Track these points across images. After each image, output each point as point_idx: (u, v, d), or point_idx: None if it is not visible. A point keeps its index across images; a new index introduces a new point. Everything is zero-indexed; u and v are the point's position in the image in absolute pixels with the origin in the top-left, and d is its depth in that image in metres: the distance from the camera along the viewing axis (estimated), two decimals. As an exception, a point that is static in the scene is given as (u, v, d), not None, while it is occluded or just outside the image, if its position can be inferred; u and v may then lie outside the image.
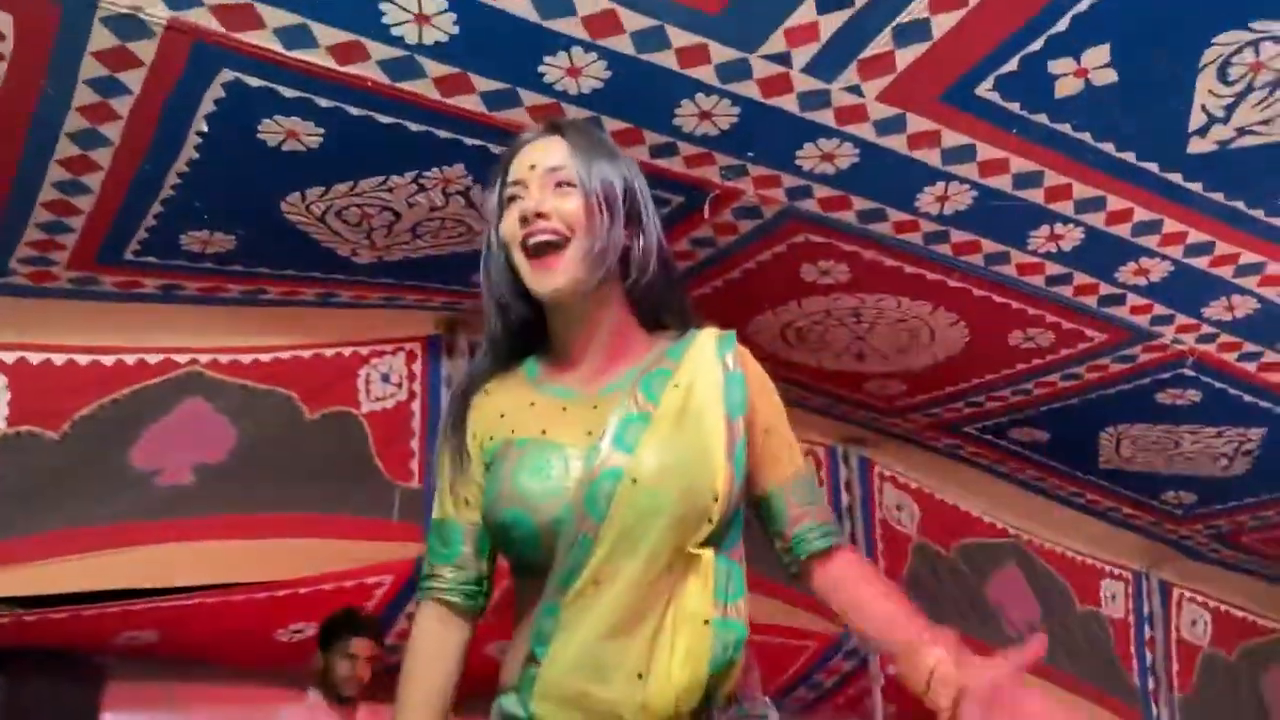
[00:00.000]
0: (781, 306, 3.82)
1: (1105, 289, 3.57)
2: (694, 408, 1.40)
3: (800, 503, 1.49)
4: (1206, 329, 3.79)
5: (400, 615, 4.04)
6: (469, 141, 2.78)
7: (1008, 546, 5.41)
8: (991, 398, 4.41)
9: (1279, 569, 5.72)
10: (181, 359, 3.73)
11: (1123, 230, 3.23)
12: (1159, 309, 3.69)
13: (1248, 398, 4.20)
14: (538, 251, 1.38)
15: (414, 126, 2.70)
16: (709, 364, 1.46)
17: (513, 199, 1.41)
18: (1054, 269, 3.46)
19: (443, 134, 2.75)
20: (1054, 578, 5.52)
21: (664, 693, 1.28)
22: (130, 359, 3.65)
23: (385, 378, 4.04)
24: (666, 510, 1.32)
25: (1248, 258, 3.39)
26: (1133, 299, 3.63)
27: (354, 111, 2.64)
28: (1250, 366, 4.00)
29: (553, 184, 1.39)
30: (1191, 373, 4.07)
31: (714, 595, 1.32)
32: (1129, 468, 4.87)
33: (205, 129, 2.62)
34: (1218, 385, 4.13)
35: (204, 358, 3.76)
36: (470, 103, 2.62)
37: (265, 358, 3.85)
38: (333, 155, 2.80)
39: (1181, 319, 3.74)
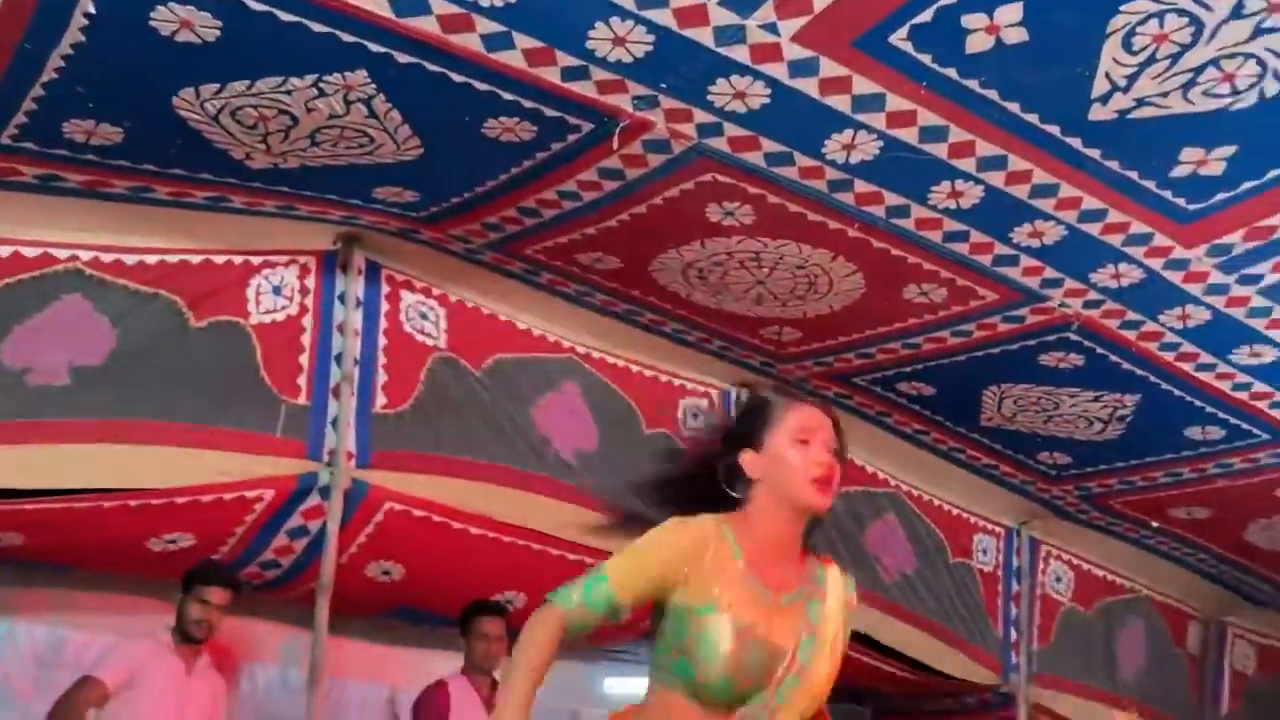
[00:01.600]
0: (686, 246, 3.82)
1: (1000, 249, 3.65)
2: (834, 632, 1.98)
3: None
4: (1093, 295, 3.90)
5: (280, 532, 3.98)
6: (373, 48, 2.70)
7: (888, 496, 5.55)
8: (882, 350, 4.49)
9: (1141, 532, 5.97)
10: (61, 254, 3.59)
11: (1021, 191, 3.30)
12: (1050, 272, 3.78)
13: (1126, 365, 4.36)
14: (817, 484, 1.93)
15: (317, 27, 2.61)
16: (842, 598, 2.01)
17: (804, 441, 1.96)
18: (952, 225, 3.51)
19: (346, 38, 2.66)
20: (930, 529, 5.68)
21: None
22: (4, 251, 3.50)
23: (276, 290, 3.94)
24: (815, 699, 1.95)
25: (1137, 228, 3.49)
26: (1026, 260, 3.71)
27: (255, 6, 2.53)
28: (1131, 335, 4.14)
29: (829, 449, 1.97)
30: (1076, 337, 4.20)
31: None
32: (1009, 427, 5.02)
33: (92, 10, 2.50)
34: (1099, 351, 4.27)
35: (85, 255, 3.62)
36: (374, 5, 2.54)
37: (151, 259, 3.72)
38: (230, 51, 2.69)
39: (1070, 284, 3.84)
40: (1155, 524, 5.83)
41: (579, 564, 4.39)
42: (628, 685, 5.68)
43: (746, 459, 1.98)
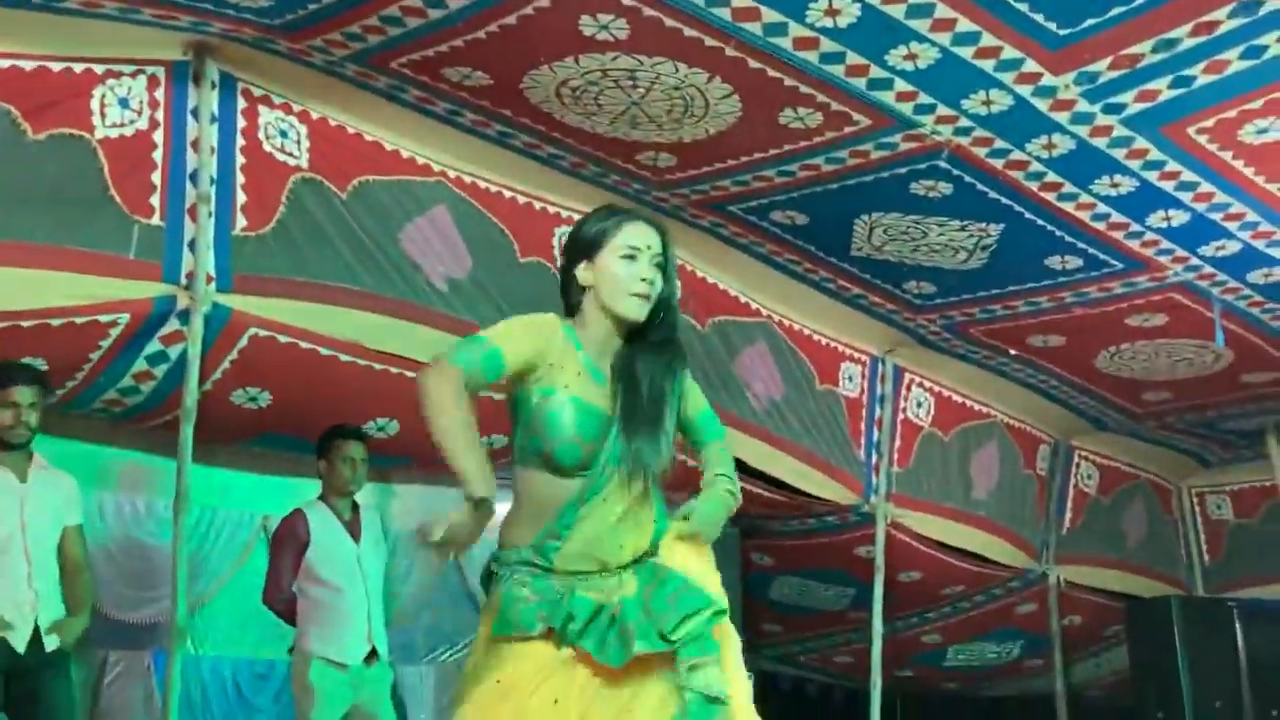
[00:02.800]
0: (558, 62, 3.69)
1: (875, 71, 3.63)
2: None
3: None
4: (964, 122, 3.94)
5: (138, 357, 3.85)
6: None
7: (759, 326, 5.64)
8: (758, 177, 4.48)
9: (999, 359, 6.22)
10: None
11: (897, 10, 3.26)
12: (923, 98, 3.79)
13: (992, 194, 4.45)
14: (637, 298, 2.19)
15: None
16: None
17: (629, 257, 2.19)
18: (829, 45, 3.47)
19: None
20: (799, 357, 5.82)
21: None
22: None
23: (124, 102, 3.69)
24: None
25: (1009, 53, 3.51)
26: (900, 84, 3.71)
27: None
28: (998, 163, 4.21)
29: (653, 265, 2.20)
30: (945, 165, 4.25)
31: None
32: (878, 256, 5.11)
33: None
34: (967, 179, 4.34)
35: (-96, 58, 3.32)
36: None
37: (-23, 65, 3.44)
38: None
39: (942, 110, 3.86)
40: (1013, 352, 6.08)
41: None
42: (503, 510, 5.77)
43: (580, 269, 2.22)
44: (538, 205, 4.73)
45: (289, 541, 4.27)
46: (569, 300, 2.26)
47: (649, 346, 2.23)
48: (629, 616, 2.06)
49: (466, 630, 5.55)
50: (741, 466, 5.49)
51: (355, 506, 4.40)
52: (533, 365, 2.15)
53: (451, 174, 4.45)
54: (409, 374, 4.25)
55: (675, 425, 2.25)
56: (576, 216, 4.91)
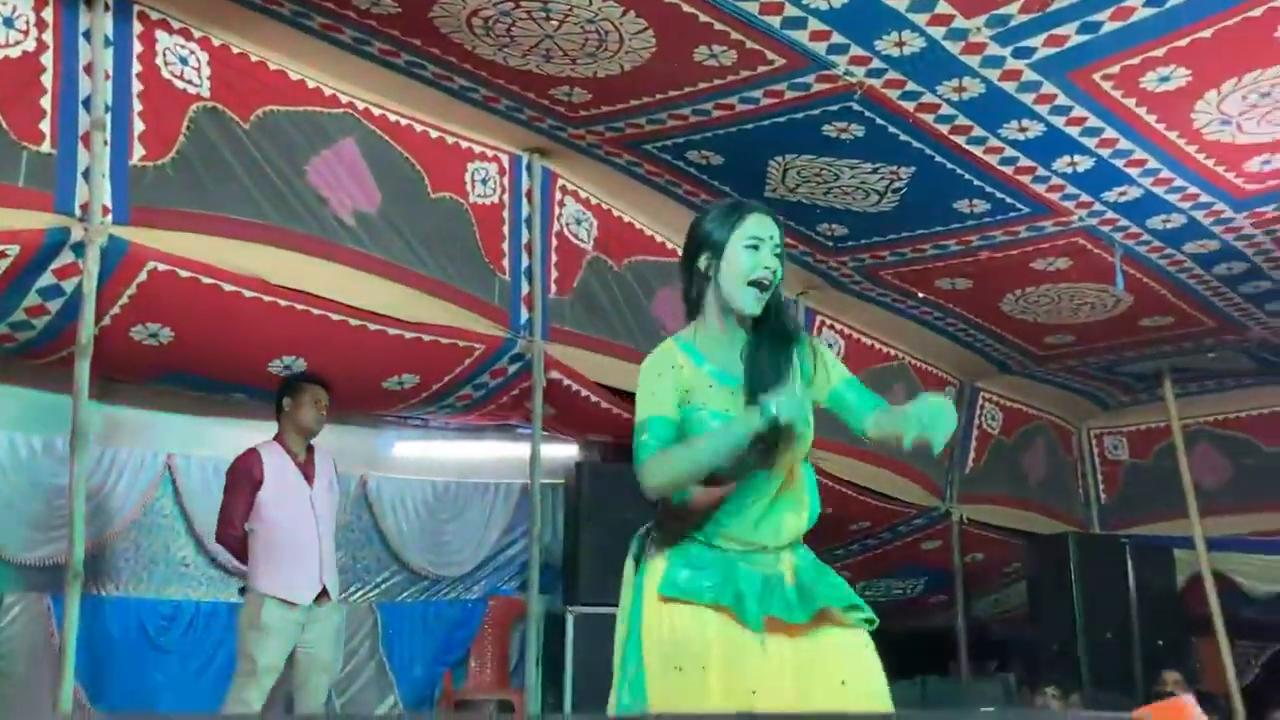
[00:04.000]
0: (469, -9, 3.62)
1: (789, 10, 3.62)
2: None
3: None
4: (876, 63, 3.95)
5: (30, 291, 3.71)
6: None
7: (674, 266, 5.63)
8: (673, 115, 4.45)
9: (907, 302, 6.31)
10: None
11: (811, -54, 3.24)
12: (836, 37, 3.79)
13: (903, 137, 4.48)
14: (759, 287, 2.26)
15: None
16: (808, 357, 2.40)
17: (753, 247, 2.27)
18: (743, -19, 3.44)
19: None
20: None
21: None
22: None
23: (8, 21, 3.51)
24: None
25: (922, -8, 3.51)
26: (814, 24, 3.70)
27: None
28: (910, 106, 4.24)
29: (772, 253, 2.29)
30: (858, 107, 4.27)
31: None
32: (791, 198, 5.14)
33: None
34: (879, 122, 4.37)
35: None
36: None
37: None
38: None
39: (856, 50, 3.87)
40: (921, 295, 6.18)
41: (360, 329, 4.34)
42: (413, 449, 5.74)
43: (702, 260, 2.27)
44: (450, 139, 4.65)
45: (243, 480, 4.29)
46: (689, 298, 2.32)
47: (770, 338, 2.28)
48: (806, 578, 2.23)
49: (377, 569, 5.53)
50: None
51: (310, 449, 4.44)
52: (682, 394, 2.22)
53: (360, 105, 4.35)
54: (316, 311, 4.19)
55: (810, 406, 2.27)
56: (490, 152, 4.92)
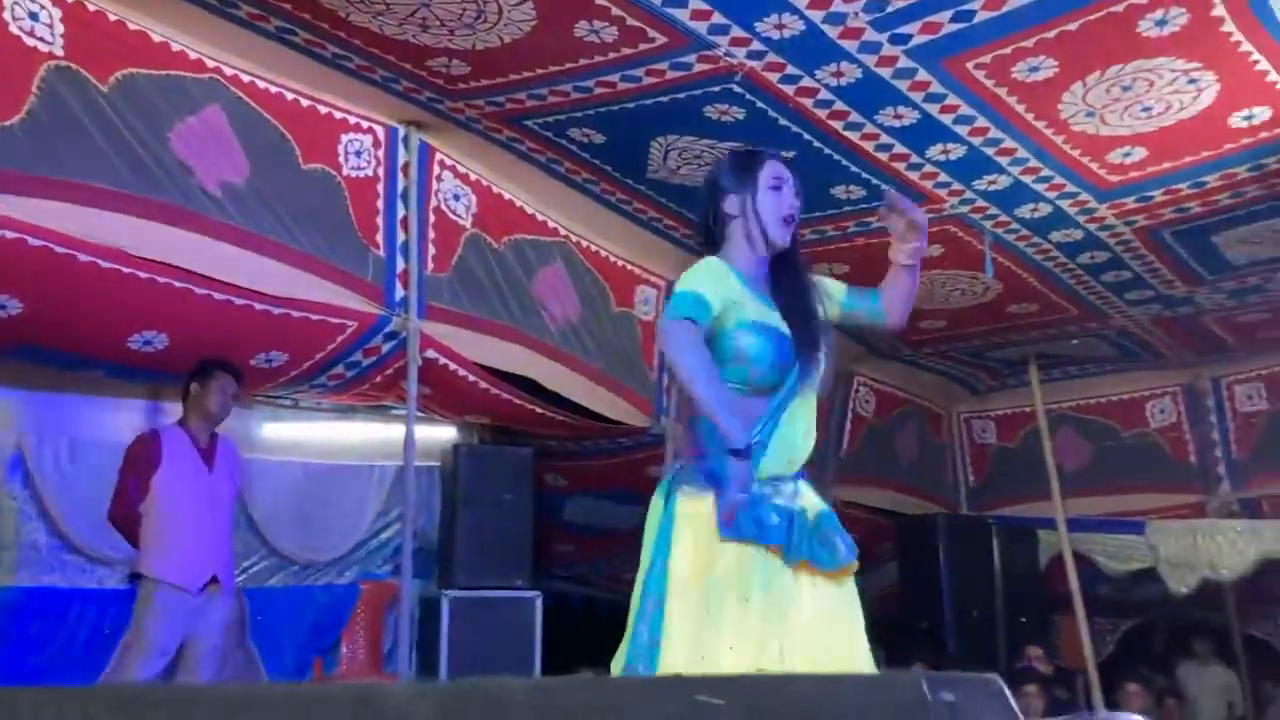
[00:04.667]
0: (342, -44, 3.50)
1: (670, -14, 3.59)
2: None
3: None
4: (757, 45, 3.96)
5: None
6: None
7: (557, 246, 5.60)
8: (554, 92, 4.40)
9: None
10: None
11: (692, -77, 3.22)
12: (717, 18, 3.79)
13: (783, 121, 4.51)
14: (787, 222, 2.53)
15: None
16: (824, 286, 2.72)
17: (777, 188, 2.53)
18: (624, -44, 3.41)
19: None
20: (595, 279, 5.81)
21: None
22: None
23: None
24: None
25: (801, -24, 3.53)
26: (695, 2, 3.69)
27: None
28: (789, 89, 4.27)
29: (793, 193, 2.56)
30: (739, 89, 4.28)
31: None
32: (673, 180, 5.13)
33: None
34: (759, 105, 4.39)
35: None
36: None
37: None
38: None
39: (736, 31, 3.87)
40: (800, 279, 6.24)
41: (225, 304, 4.18)
42: (283, 429, 5.58)
43: (728, 201, 2.51)
44: (322, 109, 4.51)
45: (138, 462, 4.26)
46: (710, 235, 2.54)
47: (794, 268, 2.54)
48: (827, 524, 2.38)
49: (245, 554, 5.36)
50: (534, 388, 5.52)
51: (215, 437, 4.41)
52: (725, 304, 2.38)
53: (227, 71, 4.18)
54: (179, 284, 4.02)
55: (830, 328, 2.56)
56: (364, 123, 4.79)
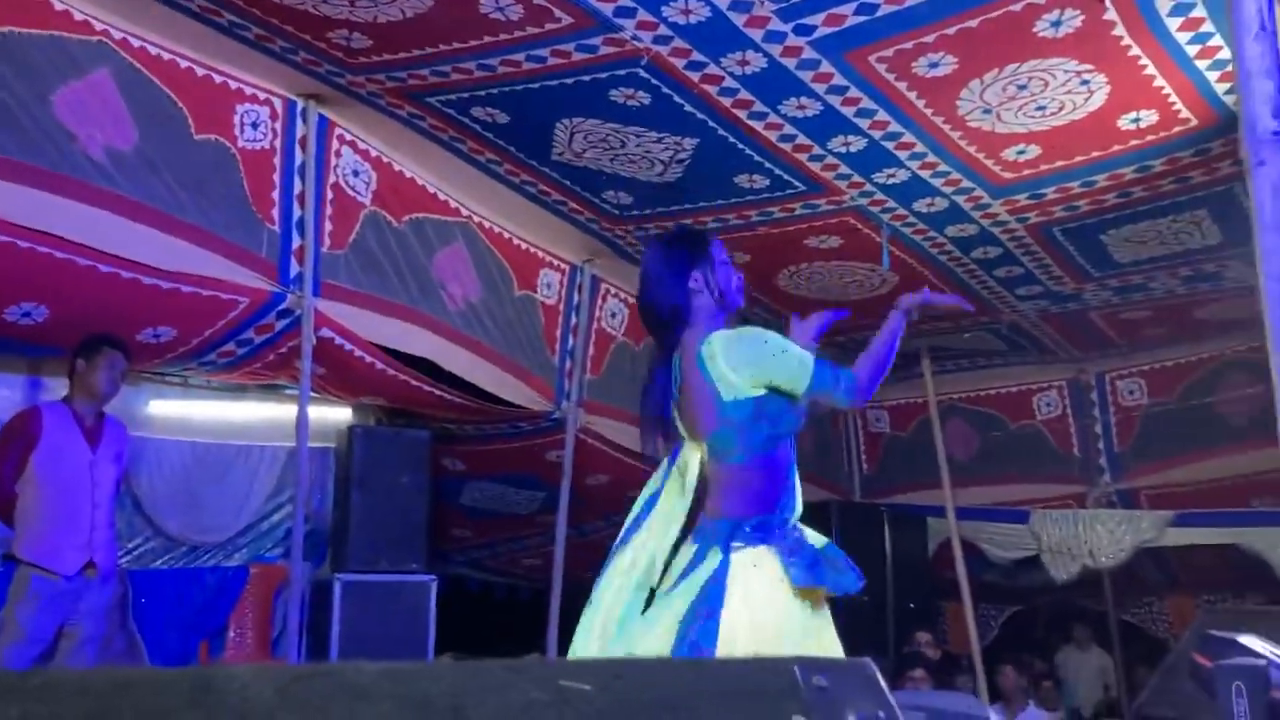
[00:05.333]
0: (239, -81, 3.39)
1: (577, -34, 3.56)
2: None
3: None
4: (663, 30, 3.95)
5: None
6: None
7: (459, 226, 5.53)
8: (457, 69, 4.33)
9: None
10: None
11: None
12: (625, 0, 3.77)
13: (688, 107, 4.51)
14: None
15: None
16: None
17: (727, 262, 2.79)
18: (531, -67, 3.36)
19: None
20: (498, 260, 5.76)
21: None
22: None
23: None
24: None
25: (708, -38, 3.53)
26: (601, -16, 3.66)
27: None
28: (694, 76, 4.27)
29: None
30: (645, 74, 4.27)
31: None
32: (578, 163, 5.10)
33: None
34: (665, 90, 4.38)
35: None
36: None
37: None
38: None
39: (643, 15, 3.85)
40: (703, 266, 6.27)
41: (111, 276, 4.03)
42: (171, 408, 5.41)
43: (698, 274, 2.69)
44: (217, 78, 4.37)
45: (14, 438, 4.12)
46: (681, 310, 2.66)
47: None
48: (831, 552, 2.57)
49: (129, 534, 5.20)
50: (433, 369, 5.45)
51: (102, 415, 4.28)
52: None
53: (116, 35, 4.02)
54: (60, 254, 3.86)
55: None
56: (262, 95, 4.65)
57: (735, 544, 2.46)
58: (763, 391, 2.51)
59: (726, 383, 2.49)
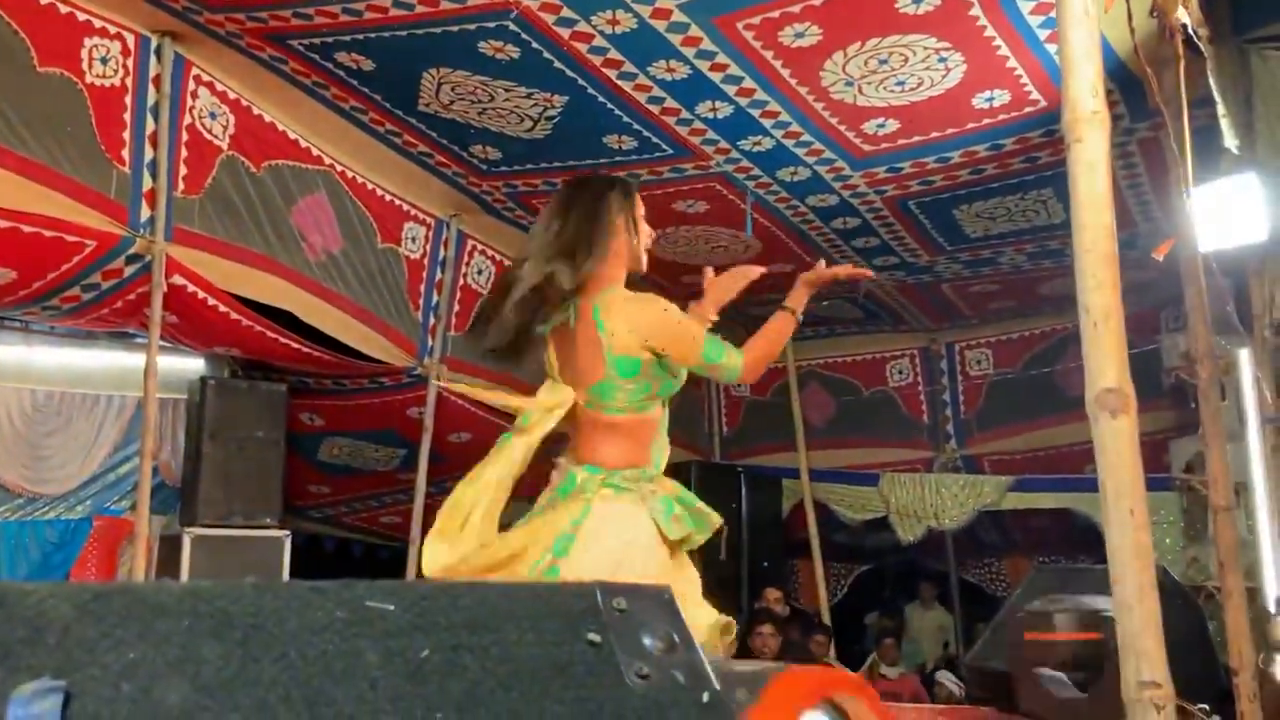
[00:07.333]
0: None
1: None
2: None
3: None
4: (534, -16, 3.93)
5: None
6: None
7: (320, 174, 5.40)
8: (321, 12, 4.22)
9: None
10: None
11: None
12: (494, -49, 3.73)
13: (558, 64, 4.50)
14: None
15: None
16: None
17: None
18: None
19: None
20: (361, 211, 5.65)
21: None
22: None
23: None
24: None
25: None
26: (473, -67, 3.61)
27: None
28: (565, 32, 4.26)
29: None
30: (514, 27, 4.24)
31: None
32: (445, 115, 5.04)
33: None
34: (534, 45, 4.36)
35: None
36: None
37: None
38: None
39: (513, -32, 3.83)
40: (570, 226, 6.27)
41: (58, 239, 3.81)
42: (10, 353, 5.18)
43: (622, 217, 2.65)
44: (63, 8, 4.17)
45: None
46: (599, 246, 2.56)
47: None
48: (687, 501, 2.58)
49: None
50: (291, 321, 5.33)
51: None
52: None
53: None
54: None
55: None
56: (113, 29, 4.45)
57: (604, 490, 2.50)
58: (649, 356, 2.53)
59: (618, 338, 2.51)
